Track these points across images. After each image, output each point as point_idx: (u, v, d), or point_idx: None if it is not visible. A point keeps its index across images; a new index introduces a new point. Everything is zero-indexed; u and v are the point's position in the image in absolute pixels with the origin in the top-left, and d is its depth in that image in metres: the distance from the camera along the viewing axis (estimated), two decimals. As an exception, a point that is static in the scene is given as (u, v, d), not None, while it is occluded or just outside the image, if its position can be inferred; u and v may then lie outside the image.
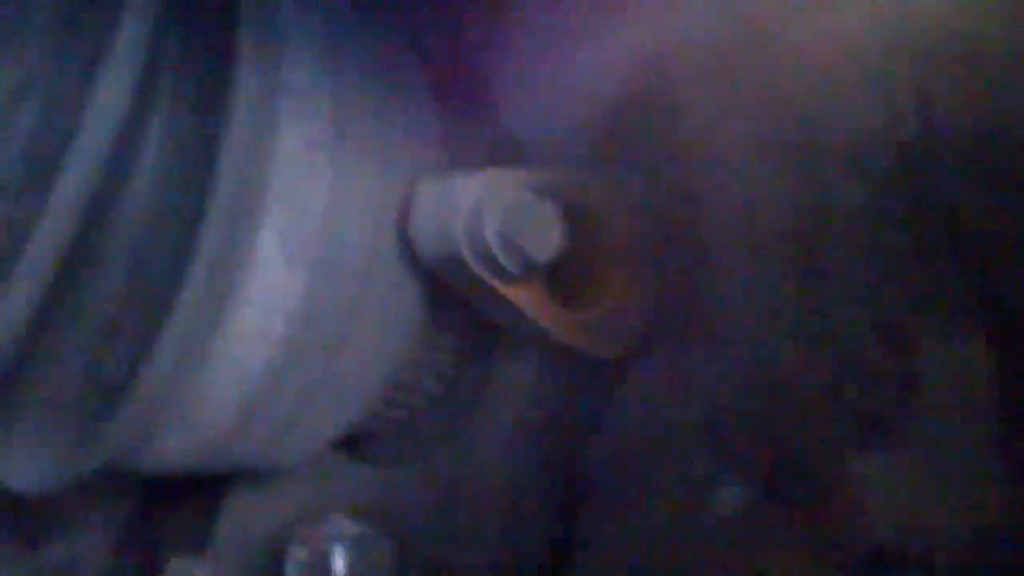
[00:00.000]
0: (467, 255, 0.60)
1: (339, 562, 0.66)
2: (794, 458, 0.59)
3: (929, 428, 0.54)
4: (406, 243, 0.62)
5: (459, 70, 0.71)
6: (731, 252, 0.63)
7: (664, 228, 0.67)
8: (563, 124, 0.69)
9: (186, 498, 0.74)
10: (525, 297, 0.62)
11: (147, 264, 0.56)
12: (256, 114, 0.56)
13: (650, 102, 0.66)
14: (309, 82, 0.60)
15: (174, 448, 0.61)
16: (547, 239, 0.61)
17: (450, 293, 0.64)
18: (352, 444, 0.73)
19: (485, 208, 0.60)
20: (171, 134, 0.56)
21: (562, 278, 0.65)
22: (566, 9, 0.68)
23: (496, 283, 0.61)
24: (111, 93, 0.53)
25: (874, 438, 0.56)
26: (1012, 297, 0.52)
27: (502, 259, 0.60)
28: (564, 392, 0.70)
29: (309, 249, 0.59)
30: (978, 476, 0.52)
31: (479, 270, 0.61)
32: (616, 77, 0.67)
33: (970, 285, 0.53)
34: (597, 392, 0.70)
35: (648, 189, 0.67)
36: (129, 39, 0.54)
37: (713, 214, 0.64)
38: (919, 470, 0.54)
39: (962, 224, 0.53)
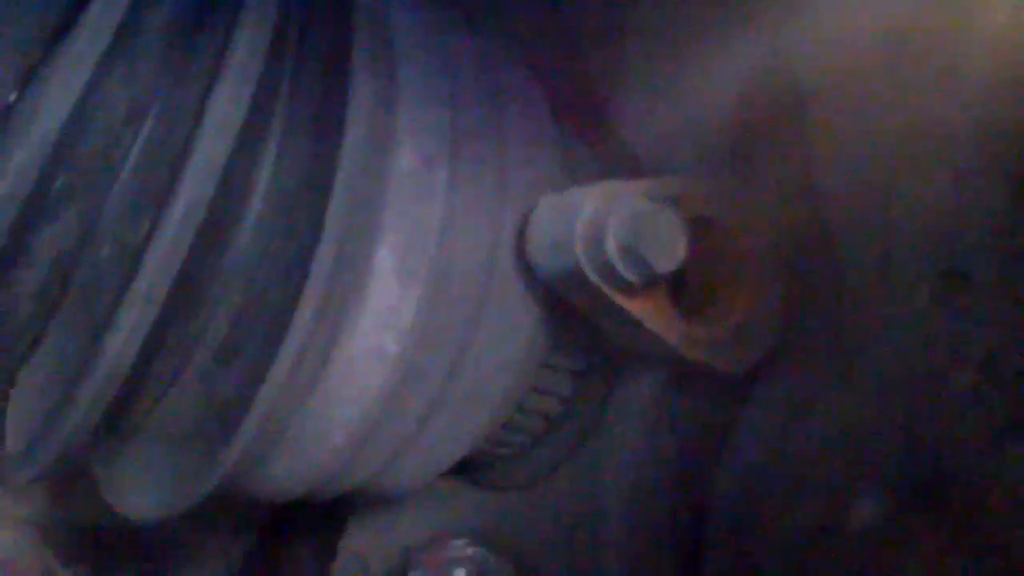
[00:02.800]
0: (586, 266, 0.60)
1: (460, 584, 0.68)
2: (940, 464, 0.57)
3: None
4: (524, 261, 0.63)
5: (577, 85, 0.71)
6: (864, 259, 0.62)
7: (793, 238, 0.66)
8: (686, 139, 0.69)
9: (305, 531, 0.75)
10: (647, 310, 0.62)
11: (262, 284, 0.56)
12: (371, 129, 0.56)
13: (777, 111, 0.64)
14: (425, 96, 0.61)
15: (287, 473, 0.61)
16: (670, 249, 0.60)
17: (571, 314, 0.65)
18: (471, 469, 0.73)
19: (605, 217, 0.60)
20: (287, 151, 0.57)
21: (686, 291, 0.65)
22: (688, 18, 0.67)
23: (617, 295, 0.61)
24: (227, 110, 0.53)
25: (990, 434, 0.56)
26: None
27: (622, 270, 0.60)
28: (689, 412, 0.70)
29: (424, 267, 0.59)
30: None
31: (599, 282, 0.60)
32: (741, 86, 0.66)
33: None
34: (723, 411, 0.68)
35: (775, 199, 0.66)
36: (245, 55, 0.54)
37: (845, 221, 0.63)
38: None
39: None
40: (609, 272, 0.60)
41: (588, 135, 0.71)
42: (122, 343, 0.52)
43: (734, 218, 0.65)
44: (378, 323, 0.58)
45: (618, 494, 0.69)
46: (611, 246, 0.59)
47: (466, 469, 0.73)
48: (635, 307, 0.61)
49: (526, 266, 0.63)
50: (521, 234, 0.62)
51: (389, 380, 0.59)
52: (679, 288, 0.64)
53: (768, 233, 0.66)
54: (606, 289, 0.60)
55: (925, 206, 0.59)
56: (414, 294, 0.59)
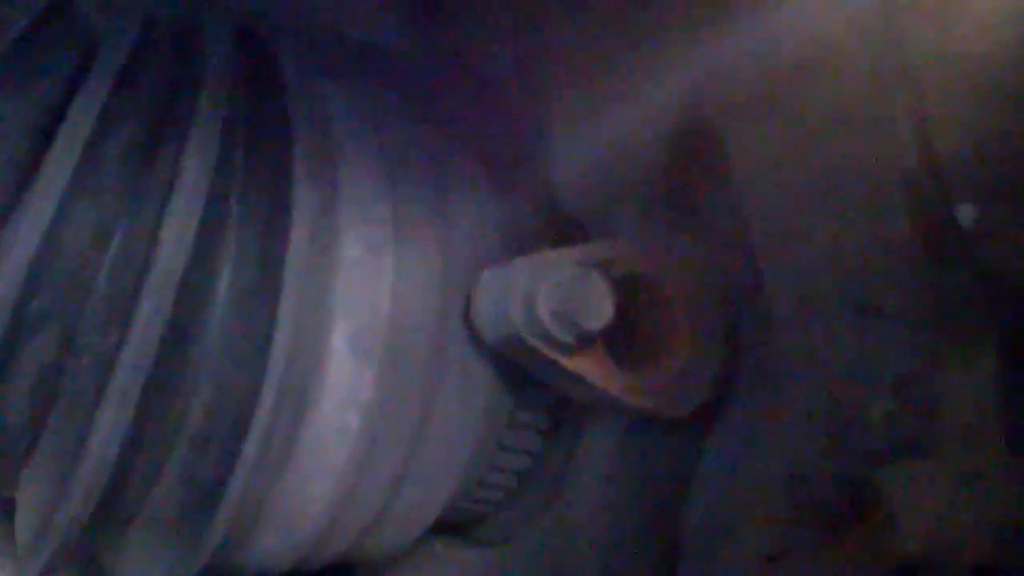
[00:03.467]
0: (524, 331, 0.62)
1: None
2: (864, 489, 0.59)
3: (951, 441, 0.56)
4: (473, 330, 0.65)
5: (512, 152, 0.72)
6: (789, 297, 0.62)
7: (728, 283, 0.67)
8: (616, 192, 0.69)
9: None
10: (586, 366, 0.64)
11: (229, 377, 0.59)
12: (315, 227, 0.59)
13: (704, 156, 0.65)
14: (367, 189, 0.63)
15: (272, 547, 0.64)
16: (599, 309, 0.62)
17: (529, 374, 0.67)
18: (454, 526, 0.75)
19: (537, 286, 0.62)
20: (243, 255, 0.59)
21: (625, 344, 0.66)
22: (608, 74, 0.67)
23: (556, 355, 0.63)
24: (180, 226, 0.56)
25: (902, 454, 0.58)
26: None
27: (556, 332, 0.62)
28: (651, 456, 0.70)
29: (377, 345, 0.62)
30: (994, 482, 0.55)
31: (537, 344, 0.63)
32: (665, 131, 0.66)
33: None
34: (683, 451, 0.69)
35: (709, 247, 0.67)
36: (194, 175, 0.57)
37: (770, 263, 0.63)
38: (943, 480, 0.56)
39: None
40: (545, 335, 0.62)
41: (528, 198, 0.72)
42: (104, 441, 0.55)
43: (668, 271, 0.67)
44: (339, 401, 0.61)
45: (589, 542, 0.70)
46: (544, 312, 0.61)
47: (453, 527, 0.75)
48: (574, 364, 0.63)
49: (475, 335, 0.65)
50: (467, 307, 0.65)
51: (355, 452, 0.62)
52: (618, 341, 0.65)
53: (703, 281, 0.67)
54: (545, 350, 0.63)
55: (840, 245, 0.60)
56: (370, 371, 0.61)
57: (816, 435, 0.61)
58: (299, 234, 0.59)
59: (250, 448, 0.58)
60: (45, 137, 0.55)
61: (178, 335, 0.57)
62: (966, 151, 0.53)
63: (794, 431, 0.62)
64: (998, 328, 0.55)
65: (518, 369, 0.67)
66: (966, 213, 0.54)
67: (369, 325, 0.62)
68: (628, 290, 0.65)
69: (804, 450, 0.61)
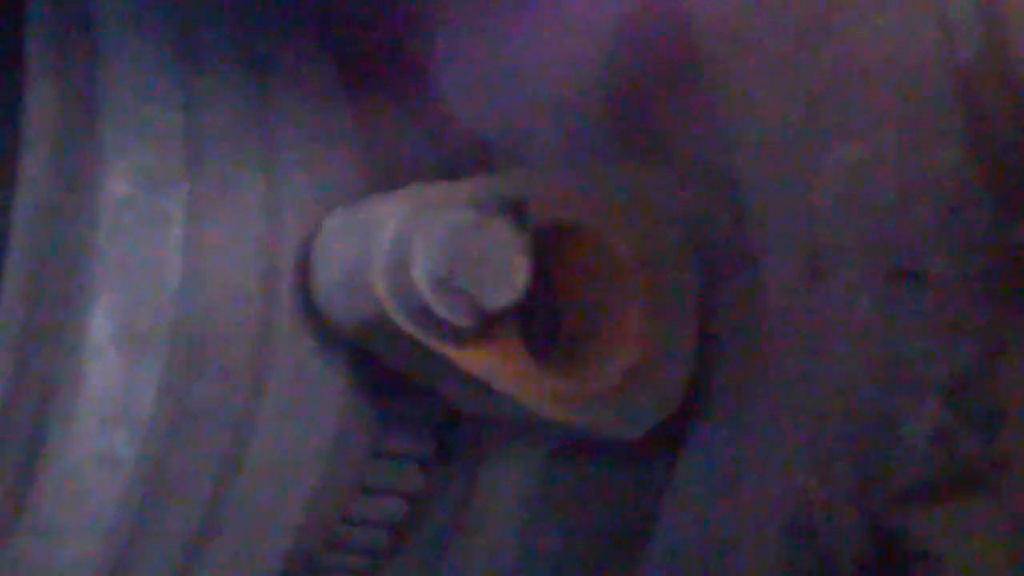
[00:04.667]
0: (392, 309, 0.58)
1: None
2: (904, 541, 0.58)
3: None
4: (314, 309, 0.61)
5: (379, 49, 0.69)
6: (788, 264, 0.60)
7: (696, 241, 0.65)
8: (538, 106, 0.67)
9: None
10: (489, 363, 0.60)
11: None
12: (58, 147, 0.57)
13: (656, 51, 0.64)
14: (144, 93, 0.60)
15: None
16: (507, 276, 0.58)
17: (400, 376, 0.63)
18: None
19: (412, 240, 0.57)
20: None
21: (547, 331, 0.63)
22: None
23: (440, 346, 0.59)
24: None
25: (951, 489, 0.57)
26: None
27: (442, 311, 0.57)
28: (586, 495, 0.68)
29: (162, 332, 0.58)
30: None
31: (413, 330, 0.58)
32: (605, 25, 0.65)
33: None
34: (635, 490, 0.67)
35: (675, 190, 0.65)
36: None
37: (761, 216, 0.62)
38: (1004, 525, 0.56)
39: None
40: (424, 315, 0.57)
41: (412, 120, 0.69)
42: None
43: (613, 219, 0.63)
44: (102, 417, 0.57)
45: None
46: (421, 278, 0.57)
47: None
48: (469, 360, 0.59)
49: (316, 314, 0.61)
50: (305, 273, 0.61)
51: (128, 496, 0.58)
52: (537, 327, 0.62)
53: (666, 236, 0.64)
54: (424, 338, 0.58)
55: (859, 186, 0.58)
56: (150, 372, 0.58)
57: (828, 464, 0.58)
58: (35, 154, 0.56)
59: None
60: None
61: None
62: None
63: (796, 459, 0.60)
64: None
65: (384, 370, 0.62)
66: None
67: (148, 303, 0.58)
68: (553, 248, 0.61)
69: (810, 486, 0.59)
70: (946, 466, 0.57)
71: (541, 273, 0.60)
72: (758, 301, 0.62)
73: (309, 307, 0.61)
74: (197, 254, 0.59)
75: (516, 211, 0.60)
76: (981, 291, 0.56)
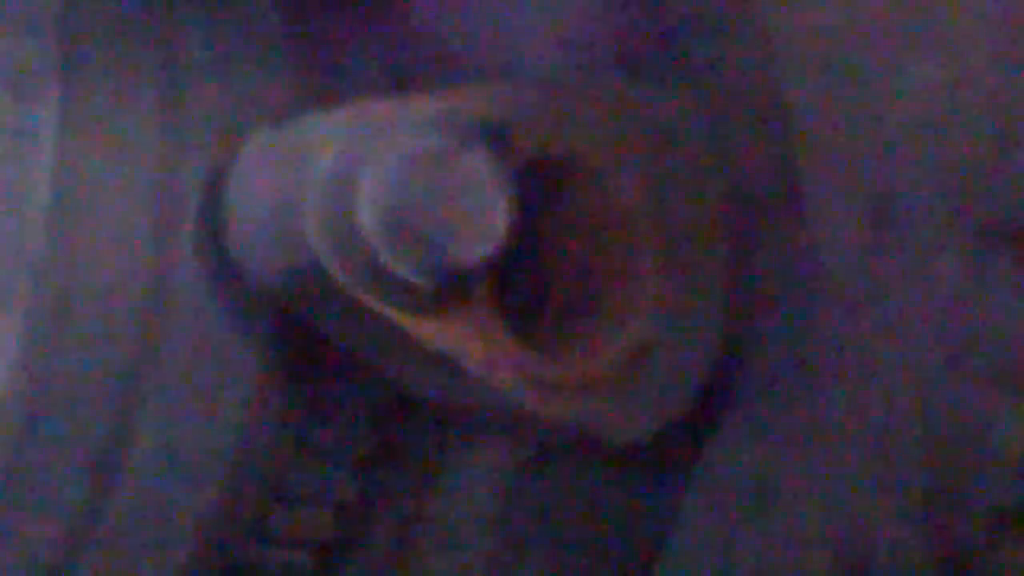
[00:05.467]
0: (329, 264, 0.57)
1: None
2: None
3: None
4: (222, 258, 0.61)
5: None
6: (852, 214, 0.62)
7: (739, 187, 0.65)
8: (532, 14, 0.68)
9: None
10: (452, 337, 0.59)
11: None
12: None
13: None
14: None
15: None
16: (481, 222, 0.57)
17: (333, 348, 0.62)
18: None
19: (357, 173, 0.57)
20: None
21: (532, 300, 0.64)
22: None
23: (390, 312, 0.58)
24: None
25: None
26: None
27: (394, 266, 0.56)
28: (575, 511, 0.69)
29: (22, 285, 0.59)
30: None
31: (355, 288, 0.57)
32: None
33: None
34: (639, 508, 0.69)
35: (701, 113, 0.65)
36: None
37: (818, 152, 0.63)
38: None
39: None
40: (370, 270, 0.56)
41: (356, 16, 0.68)
42: None
43: (619, 155, 0.63)
44: None
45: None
46: (368, 222, 0.56)
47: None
48: (429, 332, 0.58)
49: (228, 267, 0.60)
50: (213, 208, 0.60)
51: None
52: (542, 292, 0.63)
53: (688, 180, 0.64)
54: (370, 302, 0.57)
55: (943, 115, 0.59)
56: (3, 335, 0.58)
57: (896, 482, 0.61)
58: None
59: None
60: None
61: None
62: None
63: (853, 474, 0.61)
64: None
65: (315, 341, 0.62)
66: None
67: (7, 244, 0.58)
68: (541, 189, 0.60)
69: (871, 511, 0.61)
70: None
71: (525, 222, 0.59)
72: (809, 261, 0.63)
73: (218, 257, 0.61)
74: (70, 181, 0.59)
75: (495, 137, 0.59)
76: None
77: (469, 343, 0.60)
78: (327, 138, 0.58)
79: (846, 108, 0.61)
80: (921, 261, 0.60)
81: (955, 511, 0.60)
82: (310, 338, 0.63)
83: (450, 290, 0.58)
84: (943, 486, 0.60)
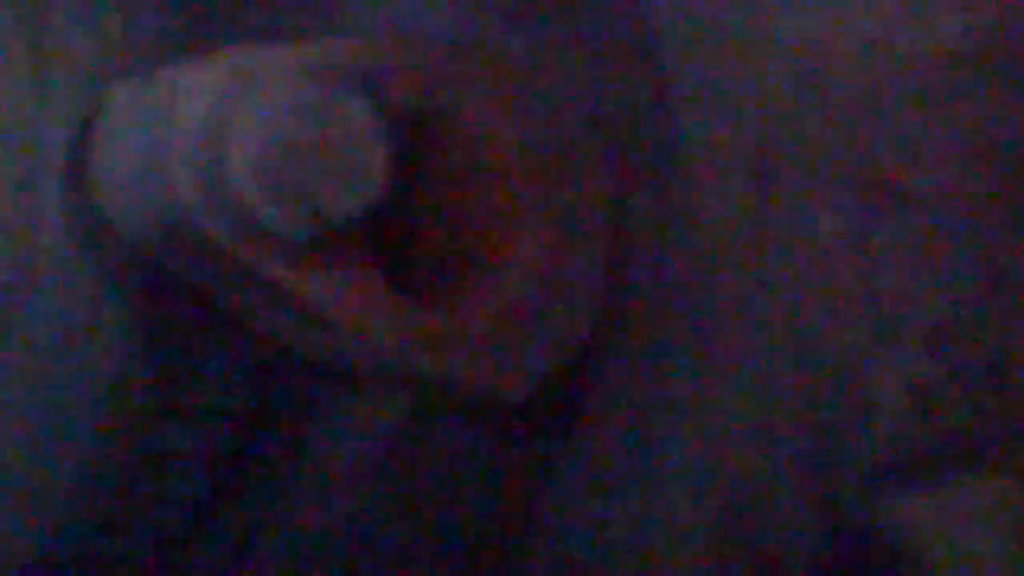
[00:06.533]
0: (199, 214, 0.57)
1: None
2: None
3: None
4: (89, 210, 0.61)
5: None
6: (732, 172, 0.62)
7: (618, 139, 0.64)
8: None
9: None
10: (328, 288, 0.60)
11: None
12: None
13: None
14: None
15: None
16: (356, 173, 0.58)
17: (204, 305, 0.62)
18: None
19: (229, 121, 0.57)
20: None
21: (405, 252, 0.64)
22: None
23: (263, 263, 0.59)
24: None
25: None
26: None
27: (267, 215, 0.57)
28: (449, 469, 0.69)
29: None
30: None
31: (226, 241, 0.58)
32: None
33: None
34: (514, 466, 0.68)
35: (580, 63, 0.65)
36: None
37: (695, 102, 0.63)
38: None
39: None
40: (243, 220, 0.56)
41: None
42: None
43: (496, 106, 0.62)
44: None
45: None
46: (240, 170, 0.55)
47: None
48: (304, 283, 0.59)
49: (95, 219, 0.60)
50: (80, 158, 0.59)
51: None
52: (415, 244, 0.63)
53: (566, 131, 0.63)
54: (242, 253, 0.57)
55: (826, 63, 0.61)
56: None
57: (777, 437, 0.61)
58: None
59: None
60: None
61: None
62: None
63: (734, 429, 0.62)
64: None
65: (186, 295, 0.62)
66: None
67: None
68: (417, 140, 0.61)
69: (753, 466, 0.61)
70: (928, 436, 0.60)
71: (400, 173, 0.60)
72: (690, 216, 0.62)
73: (85, 209, 0.61)
74: None
75: (371, 87, 0.59)
76: (983, 210, 0.58)
77: (342, 295, 0.61)
78: (198, 88, 0.59)
79: (722, 52, 0.62)
80: (800, 216, 0.60)
81: (837, 467, 0.61)
82: (180, 291, 0.64)
83: (325, 242, 0.59)
84: (825, 443, 0.61)
